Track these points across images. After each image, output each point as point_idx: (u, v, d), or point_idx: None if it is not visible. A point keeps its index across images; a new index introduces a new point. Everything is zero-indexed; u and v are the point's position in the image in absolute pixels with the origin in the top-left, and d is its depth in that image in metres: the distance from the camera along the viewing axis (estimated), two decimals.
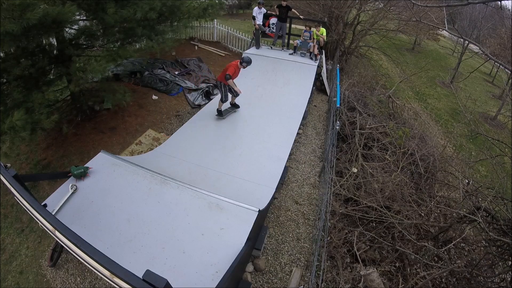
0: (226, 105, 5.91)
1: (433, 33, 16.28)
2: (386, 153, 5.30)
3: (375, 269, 3.42)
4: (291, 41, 9.35)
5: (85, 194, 3.39)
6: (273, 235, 4.20)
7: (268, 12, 9.10)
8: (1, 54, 4.22)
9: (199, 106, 6.98)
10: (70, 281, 3.62)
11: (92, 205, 3.28)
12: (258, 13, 8.52)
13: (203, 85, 7.70)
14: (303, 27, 8.76)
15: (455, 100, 12.88)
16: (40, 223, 2.50)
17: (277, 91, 7.04)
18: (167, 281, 1.54)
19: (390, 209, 4.14)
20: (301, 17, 8.67)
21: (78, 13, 4.48)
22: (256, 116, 6.11)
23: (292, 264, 3.84)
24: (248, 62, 5.35)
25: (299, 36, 8.78)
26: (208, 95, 7.45)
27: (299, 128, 6.28)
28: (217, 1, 7.08)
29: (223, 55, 9.90)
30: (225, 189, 3.99)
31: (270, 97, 6.75)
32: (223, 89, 5.49)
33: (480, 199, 4.08)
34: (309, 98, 7.23)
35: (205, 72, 8.51)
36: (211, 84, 7.83)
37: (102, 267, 1.70)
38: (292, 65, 7.77)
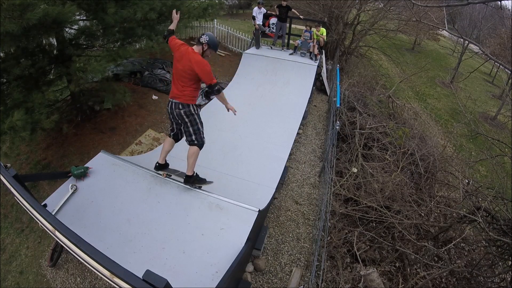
0: None
1: (433, 33, 16.31)
2: (386, 153, 5.30)
3: (375, 269, 3.42)
4: (291, 41, 9.35)
5: (85, 194, 3.39)
6: (273, 235, 4.19)
7: (268, 12, 9.11)
8: (1, 54, 4.22)
9: (199, 106, 6.98)
10: (70, 281, 3.62)
11: (92, 205, 3.28)
12: (258, 13, 8.52)
13: (203, 85, 7.68)
14: (303, 27, 8.77)
15: (455, 100, 12.88)
16: (40, 223, 2.50)
17: (277, 91, 7.04)
18: (167, 281, 1.54)
19: (390, 209, 4.14)
20: (301, 17, 8.68)
21: (78, 13, 4.48)
22: (256, 116, 6.11)
23: (292, 264, 3.84)
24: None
25: (299, 36, 8.78)
26: (208, 95, 7.44)
27: (299, 128, 6.28)
28: (217, 1, 7.08)
29: (223, 55, 9.90)
30: (225, 189, 3.99)
31: (270, 97, 6.75)
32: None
33: (480, 199, 4.08)
34: (309, 98, 7.23)
35: None
36: None
37: (102, 267, 1.70)
38: (292, 65, 7.77)
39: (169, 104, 3.16)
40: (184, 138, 3.39)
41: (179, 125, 3.33)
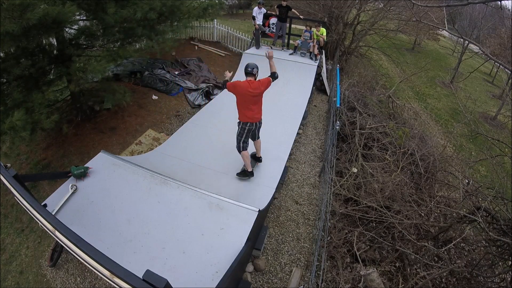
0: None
1: (433, 33, 16.30)
2: (386, 153, 5.29)
3: (375, 269, 3.42)
4: (291, 41, 9.35)
5: (85, 194, 3.39)
6: (273, 235, 4.20)
7: (268, 12, 9.11)
8: (1, 54, 4.22)
9: (199, 106, 6.98)
10: (70, 281, 3.63)
11: (92, 205, 3.28)
12: (258, 13, 8.53)
13: (203, 85, 7.70)
14: (303, 27, 8.77)
15: (455, 100, 12.88)
16: (40, 223, 2.50)
17: (277, 91, 7.03)
18: (167, 281, 1.54)
19: (390, 209, 4.14)
20: (301, 17, 8.68)
21: (78, 13, 4.47)
22: None
23: (292, 264, 3.84)
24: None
25: (299, 36, 8.79)
26: (208, 95, 7.45)
27: (299, 128, 6.28)
28: (217, 1, 7.07)
29: (223, 55, 9.90)
30: (225, 189, 3.99)
31: (270, 97, 6.72)
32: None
33: (480, 199, 4.08)
34: (309, 98, 7.23)
35: (205, 72, 8.51)
36: (211, 84, 7.83)
37: (102, 267, 1.70)
38: (292, 65, 7.77)
39: (254, 125, 4.15)
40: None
41: (254, 135, 4.41)
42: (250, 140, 4.35)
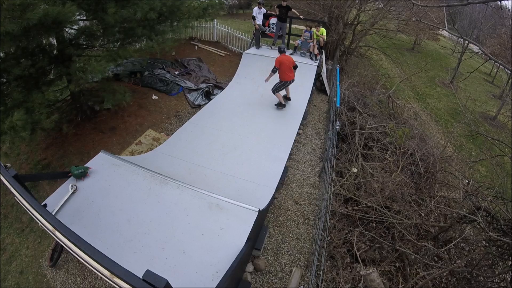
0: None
1: (433, 33, 16.31)
2: (386, 153, 5.29)
3: (375, 269, 3.42)
4: (291, 41, 9.35)
5: (85, 194, 3.39)
6: (273, 235, 4.20)
7: (268, 12, 9.11)
8: (1, 54, 4.22)
9: (199, 106, 6.98)
10: (70, 281, 3.63)
11: (92, 205, 3.28)
12: (258, 13, 8.52)
13: (203, 85, 7.70)
14: (303, 27, 8.76)
15: (455, 100, 12.88)
16: (40, 223, 2.51)
17: None
18: (167, 281, 1.54)
19: (390, 209, 4.14)
20: (301, 17, 8.67)
21: (78, 13, 4.47)
22: (256, 116, 6.12)
23: (292, 264, 3.84)
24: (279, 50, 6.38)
25: (299, 36, 8.78)
26: (208, 95, 7.45)
27: (299, 128, 6.29)
28: (217, 1, 7.07)
29: (223, 55, 9.90)
30: (225, 189, 4.00)
31: (270, 97, 6.75)
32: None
33: (480, 199, 4.08)
34: (309, 98, 7.23)
35: (205, 72, 8.51)
36: (211, 84, 7.83)
37: (102, 267, 1.70)
38: None
39: (289, 82, 6.32)
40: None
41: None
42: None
